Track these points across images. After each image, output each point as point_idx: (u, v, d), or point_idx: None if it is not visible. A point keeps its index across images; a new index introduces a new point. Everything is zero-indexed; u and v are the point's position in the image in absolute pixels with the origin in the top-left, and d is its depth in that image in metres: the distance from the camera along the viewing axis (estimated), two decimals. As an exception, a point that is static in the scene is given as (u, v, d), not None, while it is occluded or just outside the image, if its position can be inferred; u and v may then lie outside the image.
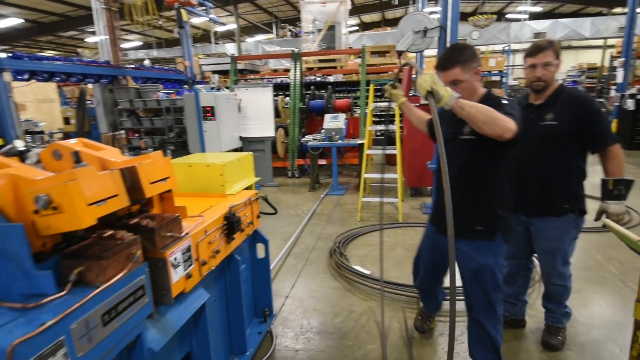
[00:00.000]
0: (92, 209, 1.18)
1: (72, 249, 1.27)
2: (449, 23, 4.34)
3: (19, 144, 1.64)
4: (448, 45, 4.44)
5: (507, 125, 1.64)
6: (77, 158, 1.24)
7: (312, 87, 8.70)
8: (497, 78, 16.29)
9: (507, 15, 19.97)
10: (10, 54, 6.70)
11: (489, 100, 1.91)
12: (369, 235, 4.85)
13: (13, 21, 16.32)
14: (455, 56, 1.94)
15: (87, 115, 8.32)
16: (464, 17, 16.28)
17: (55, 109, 12.09)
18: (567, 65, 22.13)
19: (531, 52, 2.22)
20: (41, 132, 8.74)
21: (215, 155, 2.79)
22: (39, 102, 11.93)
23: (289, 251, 4.46)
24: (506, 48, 16.25)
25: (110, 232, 1.39)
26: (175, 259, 1.58)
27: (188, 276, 1.68)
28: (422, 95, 1.65)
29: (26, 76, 6.82)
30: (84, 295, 1.15)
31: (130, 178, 1.41)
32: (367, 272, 3.71)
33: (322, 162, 8.04)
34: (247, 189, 2.64)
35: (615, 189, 2.06)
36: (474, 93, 1.98)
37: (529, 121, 2.10)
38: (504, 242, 2.01)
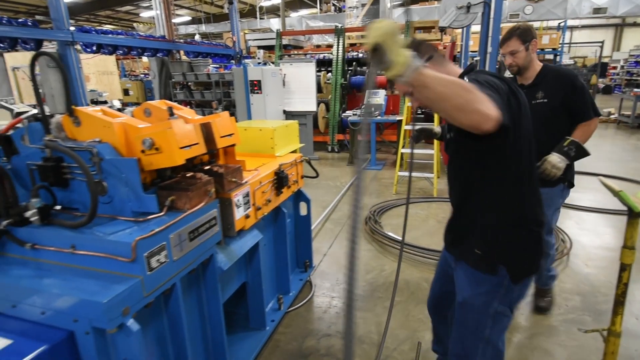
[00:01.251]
0: (182, 151, 1.53)
1: (165, 183, 1.64)
2: (494, -2, 4.34)
3: (117, 104, 2.03)
4: (492, 20, 4.44)
5: (485, 110, 1.03)
6: (171, 112, 1.59)
7: (354, 63, 8.81)
8: (551, 56, 15.43)
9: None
10: (80, 28, 7.35)
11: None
12: (403, 207, 5.07)
13: (76, -3, 17.40)
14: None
15: (168, 85, 8.93)
16: (518, -10, 15.38)
17: (115, 81, 12.99)
18: (631, 44, 20.38)
19: (500, 44, 2.42)
20: (105, 102, 9.58)
21: (265, 122, 3.12)
22: (100, 74, 12.88)
23: (327, 217, 4.80)
24: (562, 24, 15.27)
25: (191, 173, 1.75)
26: (238, 200, 1.94)
27: (247, 217, 2.04)
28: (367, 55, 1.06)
29: (93, 49, 7.47)
30: (176, 216, 1.52)
31: (206, 131, 1.75)
32: (398, 237, 3.98)
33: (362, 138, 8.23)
34: (292, 152, 2.96)
35: (567, 147, 2.19)
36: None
37: None
38: (510, 281, 1.40)
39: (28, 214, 1.45)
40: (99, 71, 12.43)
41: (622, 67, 18.50)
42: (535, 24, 14.63)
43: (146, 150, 1.51)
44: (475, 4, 4.07)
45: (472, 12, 4.15)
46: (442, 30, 4.63)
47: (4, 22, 6.02)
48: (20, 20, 6.38)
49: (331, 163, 7.69)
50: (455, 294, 1.58)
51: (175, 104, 2.01)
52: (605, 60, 20.83)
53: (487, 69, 4.29)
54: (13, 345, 1.26)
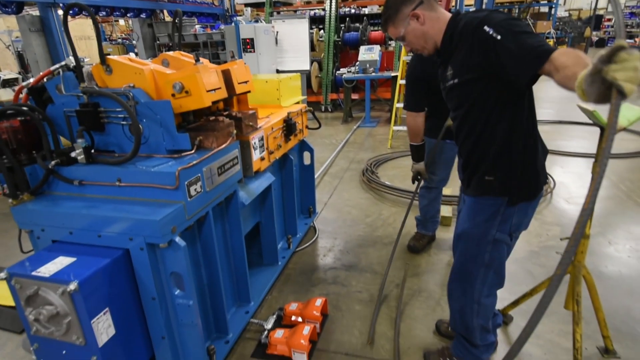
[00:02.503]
0: (208, 94, 1.70)
1: (192, 125, 1.82)
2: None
3: (133, 55, 2.15)
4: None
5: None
6: (197, 59, 1.74)
7: (347, 19, 8.73)
8: (546, 9, 15.28)
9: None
10: (62, -11, 7.11)
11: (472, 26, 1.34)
12: (398, 160, 5.32)
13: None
14: (385, 14, 1.57)
15: (154, 47, 8.71)
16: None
17: (93, 45, 12.62)
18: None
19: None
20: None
21: (269, 75, 3.25)
22: (78, 40, 12.48)
23: (325, 171, 5.03)
24: (555, -25, 15.04)
25: (213, 118, 1.92)
26: (254, 143, 2.13)
27: (262, 159, 2.24)
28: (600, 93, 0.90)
29: (75, 10, 7.26)
30: (205, 153, 1.71)
31: (226, 77, 1.91)
32: (394, 185, 4.24)
33: (355, 96, 8.33)
34: (296, 104, 3.12)
35: None
36: (427, 35, 1.51)
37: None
38: (506, 205, 1.51)
39: (74, 153, 1.63)
40: (76, 36, 12.00)
41: (615, 19, 18.42)
42: (528, -24, 14.40)
43: (176, 94, 1.67)
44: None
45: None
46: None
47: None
48: (-1, -19, 6.16)
49: (325, 122, 7.83)
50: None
51: (190, 54, 2.14)
52: (601, 12, 20.66)
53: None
54: (77, 262, 1.48)
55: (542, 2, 14.33)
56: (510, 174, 1.49)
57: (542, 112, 7.44)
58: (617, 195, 3.85)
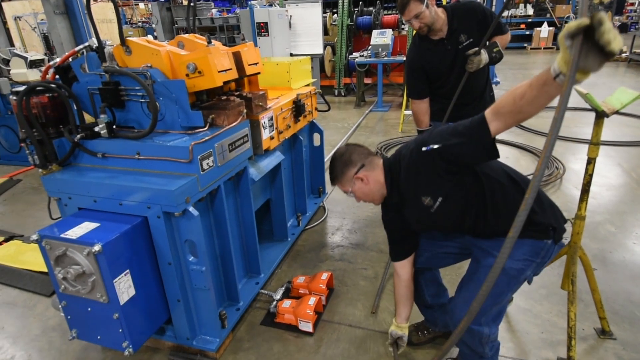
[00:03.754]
0: (220, 74, 1.80)
1: (205, 104, 1.93)
2: None
3: (150, 38, 2.25)
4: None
5: None
6: (209, 40, 1.83)
7: (360, 3, 8.65)
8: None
9: None
10: (82, -28, 7.25)
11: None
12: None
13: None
14: (332, 174, 1.68)
15: (172, 30, 8.84)
16: None
17: (114, 29, 12.80)
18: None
19: (399, 10, 2.35)
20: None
21: (280, 58, 3.33)
22: (100, 23, 12.70)
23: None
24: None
25: (225, 97, 2.03)
26: (264, 122, 2.23)
27: (271, 138, 2.34)
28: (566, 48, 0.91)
29: (97, -6, 7.41)
30: (217, 130, 1.82)
31: (237, 59, 2.00)
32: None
33: (368, 81, 8.32)
34: (306, 86, 3.19)
35: (495, 52, 2.32)
36: (373, 191, 1.62)
37: (448, 53, 2.39)
38: (553, 242, 1.47)
39: (98, 128, 1.76)
40: (98, 19, 12.19)
41: (640, 3, 17.69)
42: (550, -43, 13.88)
43: (190, 74, 1.77)
44: None
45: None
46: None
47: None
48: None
49: (338, 106, 7.86)
50: (462, 258, 1.71)
51: (202, 36, 2.23)
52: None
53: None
54: (101, 227, 1.62)
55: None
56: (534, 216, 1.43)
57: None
58: (627, 183, 3.83)
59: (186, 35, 2.16)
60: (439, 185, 1.44)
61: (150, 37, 2.18)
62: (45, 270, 2.07)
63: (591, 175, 1.76)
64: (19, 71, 5.52)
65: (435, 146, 1.35)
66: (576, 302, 1.89)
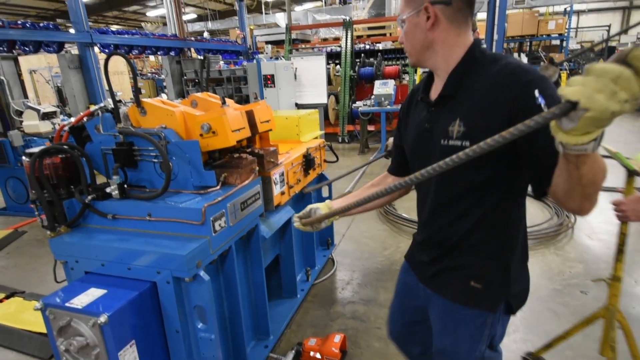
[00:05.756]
0: (233, 134, 1.80)
1: (217, 163, 1.92)
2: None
3: (164, 97, 2.30)
4: (498, 9, 4.63)
5: (596, 200, 0.92)
6: (224, 101, 1.86)
7: (362, 55, 9.02)
8: (557, 42, 15.45)
9: (573, -28, 18.46)
10: (98, 29, 7.66)
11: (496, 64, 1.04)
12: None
13: (84, -1, 17.74)
14: None
15: (181, 82, 9.22)
16: (523, -25, 15.39)
17: (126, 80, 13.34)
18: (639, 27, 20.22)
19: None
20: (119, 101, 9.92)
21: (289, 111, 3.38)
22: (111, 74, 13.21)
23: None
24: (568, 9, 15.27)
25: (237, 155, 2.02)
26: (275, 178, 2.21)
27: (282, 193, 2.32)
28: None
29: (110, 49, 7.77)
30: (230, 189, 1.80)
31: (249, 117, 2.02)
32: (411, 218, 4.24)
33: (371, 128, 8.47)
34: (314, 139, 3.22)
35: None
36: (426, 45, 1.12)
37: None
38: (502, 313, 1.20)
39: (109, 189, 1.74)
40: (110, 71, 12.66)
41: (630, 50, 18.40)
42: (542, 10, 14.66)
43: (204, 134, 1.78)
44: (480, -5, 4.27)
45: (478, 1, 4.34)
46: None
47: (28, 26, 6.30)
48: (42, 24, 6.67)
49: (342, 153, 7.94)
50: (426, 330, 1.38)
51: (216, 95, 2.28)
52: (613, 44, 20.71)
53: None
54: (108, 294, 1.55)
55: (553, 35, 14.47)
56: (506, 279, 1.15)
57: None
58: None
59: (199, 94, 2.21)
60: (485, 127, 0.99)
61: (164, 96, 2.23)
62: (45, 331, 1.97)
63: (625, 235, 1.69)
64: (32, 123, 5.64)
65: (542, 103, 0.91)
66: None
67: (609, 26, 19.71)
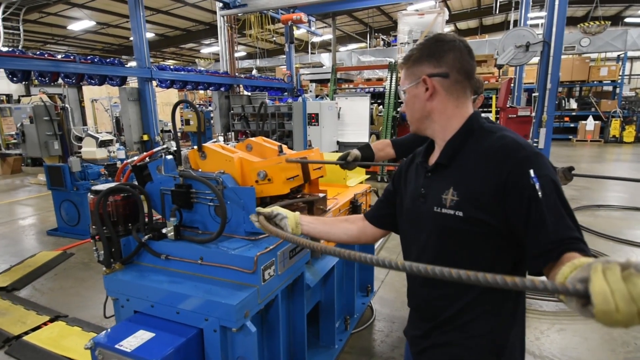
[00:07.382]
0: (288, 182, 1.82)
1: (269, 208, 1.93)
2: (553, 36, 4.45)
3: (221, 139, 2.38)
4: (552, 58, 4.54)
5: None
6: (281, 149, 1.90)
7: (405, 96, 9.09)
8: (610, 88, 14.92)
9: (626, 20, 18.03)
10: (157, 65, 8.25)
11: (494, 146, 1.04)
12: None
13: (147, 35, 19.39)
14: (411, 53, 1.16)
15: (228, 116, 9.71)
16: (574, 21, 15.20)
17: (177, 112, 14.13)
18: None
19: None
20: (169, 131, 10.49)
21: (334, 155, 3.41)
22: (163, 105, 14.12)
23: (382, 245, 4.96)
24: (621, 55, 14.78)
25: (288, 201, 2.03)
26: (323, 225, 2.18)
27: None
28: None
29: (167, 84, 8.31)
30: (281, 237, 1.79)
31: (303, 165, 2.04)
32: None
33: (411, 168, 8.38)
34: (360, 183, 3.20)
35: None
36: (425, 114, 1.15)
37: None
38: None
39: (166, 230, 1.78)
40: (162, 102, 13.63)
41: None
42: (593, 56, 14.31)
43: (260, 181, 1.81)
44: (534, 43, 4.22)
45: (531, 50, 4.29)
46: (500, 67, 4.78)
47: (96, 61, 6.88)
48: (108, 60, 7.27)
49: (381, 193, 7.85)
50: None
51: (270, 140, 2.33)
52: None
53: (546, 106, 4.32)
54: (156, 338, 1.55)
55: (605, 81, 13.96)
56: None
57: (612, 195, 6.93)
58: None
59: (254, 139, 2.27)
60: (478, 202, 1.01)
61: (221, 141, 2.31)
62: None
63: None
64: (89, 149, 6.05)
65: (539, 194, 0.93)
66: None
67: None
